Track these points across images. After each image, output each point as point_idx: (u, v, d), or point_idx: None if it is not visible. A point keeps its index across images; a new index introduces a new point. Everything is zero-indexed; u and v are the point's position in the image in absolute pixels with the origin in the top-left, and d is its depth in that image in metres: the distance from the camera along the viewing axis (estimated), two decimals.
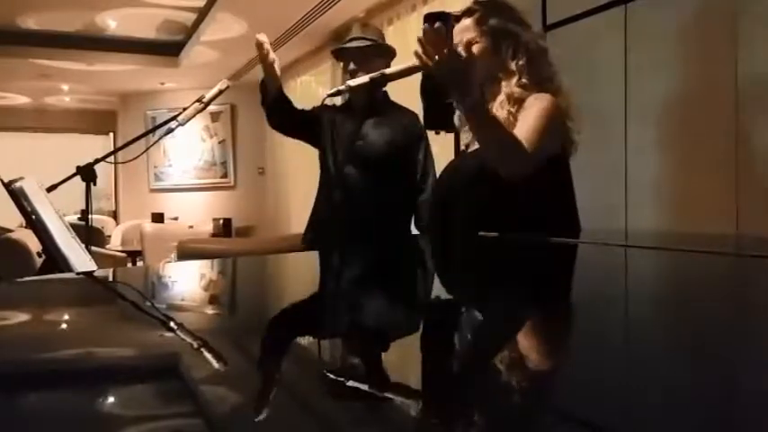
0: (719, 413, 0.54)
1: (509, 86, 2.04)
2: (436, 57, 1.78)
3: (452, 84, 1.84)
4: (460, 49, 1.93)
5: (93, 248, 2.93)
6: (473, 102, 1.84)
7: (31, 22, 7.94)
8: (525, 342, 0.83)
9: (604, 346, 0.77)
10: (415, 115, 3.15)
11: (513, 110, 2.01)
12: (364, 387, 0.62)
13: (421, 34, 2.08)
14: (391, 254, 1.94)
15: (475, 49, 2.04)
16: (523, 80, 2.03)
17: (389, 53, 3.10)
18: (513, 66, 2.05)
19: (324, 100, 2.72)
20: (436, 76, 1.85)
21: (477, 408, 0.57)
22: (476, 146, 2.08)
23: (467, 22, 2.12)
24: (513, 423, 0.54)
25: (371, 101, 3.04)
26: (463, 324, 0.97)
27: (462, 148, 2.24)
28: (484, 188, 1.99)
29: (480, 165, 1.98)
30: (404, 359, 0.76)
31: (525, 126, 1.93)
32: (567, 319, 0.97)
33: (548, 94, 2.00)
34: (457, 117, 2.20)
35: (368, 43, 3.02)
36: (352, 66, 3.00)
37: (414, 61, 1.91)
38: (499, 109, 2.04)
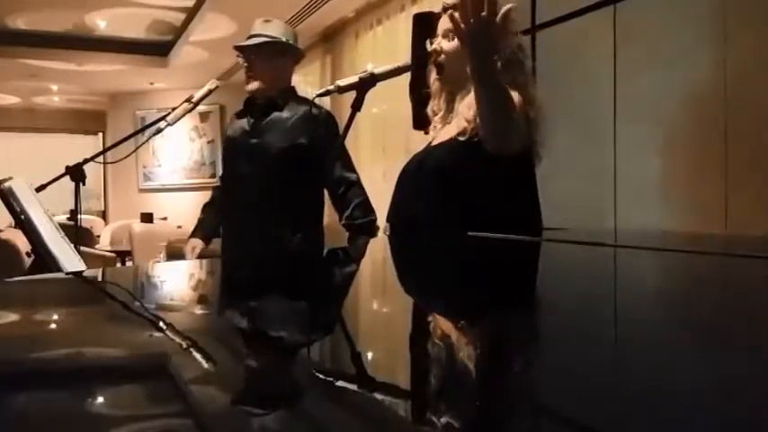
0: (717, 412, 0.54)
1: None
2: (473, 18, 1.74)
3: (480, 43, 1.76)
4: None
5: (83, 248, 2.92)
6: (492, 64, 1.80)
7: (20, 22, 7.91)
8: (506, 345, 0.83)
9: (592, 348, 0.78)
10: (321, 108, 2.95)
11: None
12: (353, 386, 0.63)
13: (410, 34, 2.10)
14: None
15: (453, 43, 2.06)
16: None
17: (291, 51, 2.98)
18: None
19: (313, 99, 2.71)
20: (466, 36, 1.79)
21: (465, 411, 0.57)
22: (440, 139, 2.10)
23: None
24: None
25: (272, 96, 2.91)
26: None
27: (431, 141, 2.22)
28: (448, 181, 2.01)
29: (445, 157, 2.02)
30: (394, 360, 0.76)
31: None
32: (554, 320, 0.97)
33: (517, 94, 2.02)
34: (429, 109, 2.23)
35: (263, 40, 2.91)
36: (246, 63, 2.92)
37: (403, 61, 1.91)
38: (471, 106, 2.02)
